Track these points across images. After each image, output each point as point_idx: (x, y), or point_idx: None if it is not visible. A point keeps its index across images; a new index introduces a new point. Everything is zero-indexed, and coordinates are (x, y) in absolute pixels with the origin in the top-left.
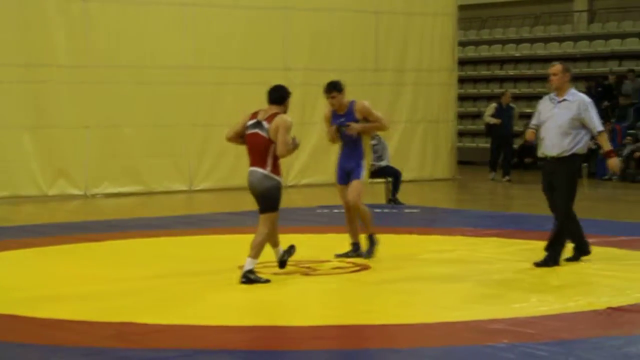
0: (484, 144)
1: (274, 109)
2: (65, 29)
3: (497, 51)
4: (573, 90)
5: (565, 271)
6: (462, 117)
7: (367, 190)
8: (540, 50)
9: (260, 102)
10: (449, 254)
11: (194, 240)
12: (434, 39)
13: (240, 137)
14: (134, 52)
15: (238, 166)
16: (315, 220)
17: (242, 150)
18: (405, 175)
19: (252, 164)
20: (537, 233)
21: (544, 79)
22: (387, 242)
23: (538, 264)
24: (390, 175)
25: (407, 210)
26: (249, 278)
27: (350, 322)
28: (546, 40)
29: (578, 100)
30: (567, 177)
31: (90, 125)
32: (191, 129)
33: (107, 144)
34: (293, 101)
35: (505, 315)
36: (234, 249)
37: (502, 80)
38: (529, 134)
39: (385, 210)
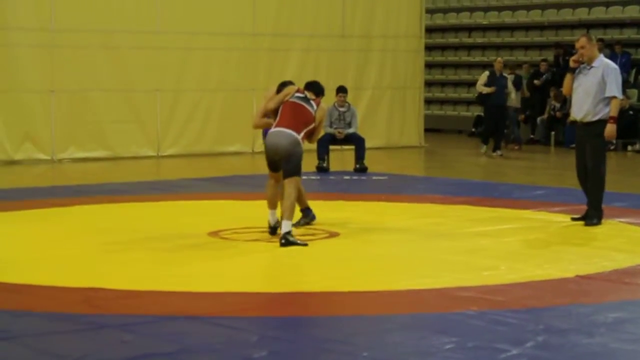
0: (452, 111)
1: (313, 95)
2: None
3: (465, 19)
4: (601, 58)
5: (534, 239)
6: (430, 84)
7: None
8: (507, 18)
9: (227, 67)
10: (417, 221)
11: (162, 206)
12: (401, 6)
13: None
14: (102, 16)
15: (205, 132)
16: None
17: (209, 116)
18: (372, 143)
19: (284, 125)
20: (505, 201)
21: (511, 46)
22: (356, 209)
23: (583, 222)
24: (354, 142)
25: (375, 178)
26: (288, 240)
27: (319, 289)
28: (514, 8)
29: (603, 66)
30: (595, 140)
31: (57, 90)
32: (159, 94)
33: (74, 109)
34: (260, 66)
35: (474, 282)
36: (202, 215)
37: (470, 48)
38: None
39: (354, 178)
